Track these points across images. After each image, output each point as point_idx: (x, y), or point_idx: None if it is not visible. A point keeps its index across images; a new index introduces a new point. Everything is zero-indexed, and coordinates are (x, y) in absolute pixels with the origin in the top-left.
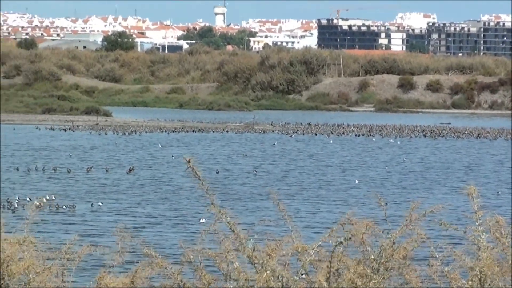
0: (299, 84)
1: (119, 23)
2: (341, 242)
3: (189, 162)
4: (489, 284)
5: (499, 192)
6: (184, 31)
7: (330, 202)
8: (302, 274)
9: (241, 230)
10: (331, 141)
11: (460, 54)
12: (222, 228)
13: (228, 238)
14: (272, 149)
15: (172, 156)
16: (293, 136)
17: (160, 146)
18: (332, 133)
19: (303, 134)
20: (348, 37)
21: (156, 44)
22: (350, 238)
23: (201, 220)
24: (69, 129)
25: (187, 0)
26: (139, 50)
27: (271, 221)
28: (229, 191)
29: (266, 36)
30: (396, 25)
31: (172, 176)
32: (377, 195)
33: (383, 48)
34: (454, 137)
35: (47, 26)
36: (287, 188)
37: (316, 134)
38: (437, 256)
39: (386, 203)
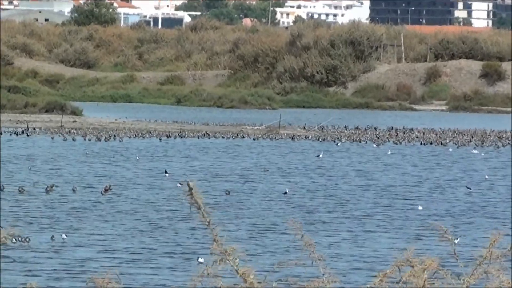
0: (343, 72)
1: None
2: None
3: (191, 189)
4: None
5: None
6: None
7: (383, 235)
8: None
9: (255, 277)
10: (389, 152)
11: None
12: (228, 271)
13: None
14: (306, 163)
15: (166, 173)
16: (339, 144)
17: (137, 158)
18: (389, 140)
19: (349, 141)
20: (412, 8)
21: (145, 16)
22: (407, 284)
23: (200, 260)
24: (23, 132)
25: None
26: (122, 24)
27: (299, 262)
28: (244, 219)
29: (298, 7)
30: None
31: (163, 198)
32: (440, 226)
33: (461, 24)
34: None
35: None
36: (326, 215)
37: (366, 142)
38: None
39: (456, 237)
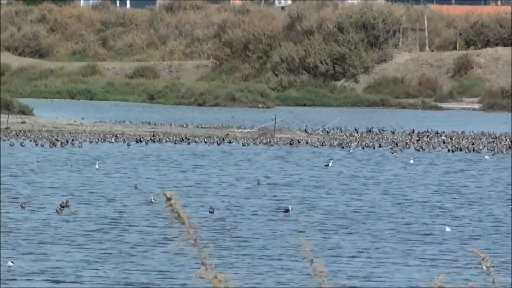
0: (354, 63)
1: None
2: None
3: (169, 199)
4: None
5: None
6: None
7: (405, 261)
8: None
9: None
10: (411, 160)
11: None
12: None
13: None
14: (310, 173)
15: (135, 186)
16: (351, 150)
17: (96, 167)
18: (409, 146)
19: (361, 147)
20: None
21: None
22: None
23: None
24: None
25: None
26: (81, 3)
27: None
28: (233, 243)
29: None
30: None
31: (133, 217)
32: (475, 251)
33: (498, 3)
34: None
35: None
36: (336, 237)
37: (380, 147)
38: None
39: (493, 266)
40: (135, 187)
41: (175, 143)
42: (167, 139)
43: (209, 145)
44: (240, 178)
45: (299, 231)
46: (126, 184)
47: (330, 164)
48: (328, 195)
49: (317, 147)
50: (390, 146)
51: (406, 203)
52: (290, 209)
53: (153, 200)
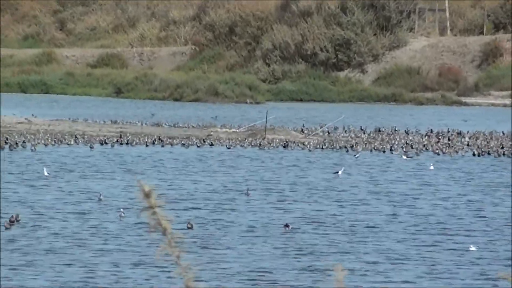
0: (360, 50)
1: None
2: None
3: (147, 195)
4: None
5: None
6: None
7: (424, 284)
8: None
9: None
10: (431, 166)
11: None
12: None
13: None
14: (307, 180)
15: (100, 196)
16: (357, 155)
17: (46, 174)
18: (427, 149)
19: (368, 150)
20: None
21: None
22: None
23: None
24: None
25: None
26: None
27: None
28: (218, 264)
29: None
30: None
31: (94, 234)
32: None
33: None
34: None
35: None
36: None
37: (392, 150)
38: None
39: None
40: (99, 199)
41: (147, 146)
42: (138, 141)
43: (187, 147)
44: (225, 187)
45: (300, 252)
46: (88, 194)
47: (341, 172)
48: (332, 208)
49: (316, 150)
50: (404, 149)
51: (423, 217)
52: (288, 225)
53: (122, 215)
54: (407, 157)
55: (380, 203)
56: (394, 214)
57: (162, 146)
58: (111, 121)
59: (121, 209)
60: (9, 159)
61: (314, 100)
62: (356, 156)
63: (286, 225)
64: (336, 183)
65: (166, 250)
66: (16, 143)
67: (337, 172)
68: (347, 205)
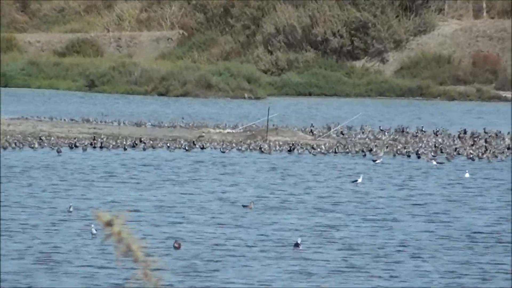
0: (380, 35)
1: None
2: None
3: (108, 224)
4: None
5: None
6: None
7: None
8: None
9: None
10: (466, 174)
11: None
12: None
13: None
14: (319, 192)
15: (70, 209)
16: (378, 160)
17: None
18: (460, 153)
19: (393, 154)
20: None
21: None
22: None
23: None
24: None
25: None
26: None
27: None
28: None
29: None
30: None
31: (66, 249)
32: None
33: None
34: None
35: None
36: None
37: (418, 156)
38: None
39: None
40: (69, 211)
41: (125, 149)
42: (114, 144)
43: (172, 151)
44: (220, 200)
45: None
46: (56, 205)
47: (360, 180)
48: (348, 223)
49: (327, 154)
50: (433, 153)
51: (463, 232)
52: (299, 242)
53: (93, 231)
54: (437, 162)
55: (410, 219)
56: (432, 232)
57: (144, 149)
58: (83, 120)
59: (93, 227)
60: None
61: (326, 95)
62: (377, 161)
63: (297, 244)
64: (354, 194)
65: (140, 279)
66: None
67: (356, 181)
68: (372, 221)
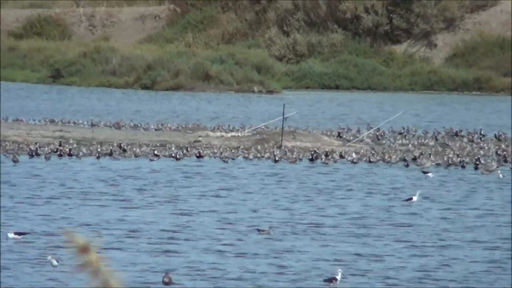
0: (426, 12)
1: None
2: None
3: (84, 251)
4: None
5: None
6: None
7: None
8: None
9: None
10: None
11: None
12: None
13: None
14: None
15: (18, 234)
16: (431, 175)
17: None
18: None
19: (445, 165)
20: None
21: None
22: None
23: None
24: None
25: None
26: None
27: None
28: None
29: None
30: None
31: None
32: None
33: None
34: None
35: None
36: None
37: (476, 165)
38: None
39: None
40: (17, 235)
41: (98, 157)
42: (86, 151)
43: (162, 159)
44: (224, 221)
45: None
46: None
47: (416, 198)
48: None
49: (358, 163)
50: (496, 164)
51: None
52: (338, 278)
53: (54, 263)
54: (502, 175)
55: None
56: (501, 256)
57: (124, 157)
58: (46, 120)
59: (50, 257)
60: None
61: (357, 88)
62: (428, 175)
63: (332, 279)
64: (409, 217)
65: None
66: None
67: (410, 199)
68: (439, 252)
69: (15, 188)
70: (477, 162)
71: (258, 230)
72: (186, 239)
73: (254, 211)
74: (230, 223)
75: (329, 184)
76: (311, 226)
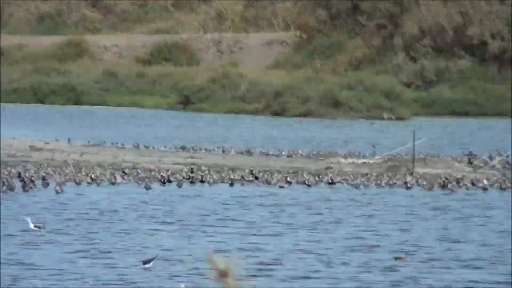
0: None
1: None
2: None
3: (224, 274)
4: None
5: None
6: None
7: None
8: None
9: None
10: None
11: None
12: None
13: None
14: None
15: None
16: None
17: (32, 226)
18: None
19: None
20: None
21: None
22: None
23: None
24: None
25: None
26: None
27: None
28: None
29: None
30: None
31: None
32: None
33: None
34: None
35: None
36: None
37: None
38: None
39: None
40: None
41: (232, 185)
42: (216, 177)
43: (292, 186)
44: (356, 250)
45: None
46: (147, 254)
47: None
48: None
49: (489, 190)
50: None
51: None
52: None
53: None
54: None
55: None
56: None
57: (257, 185)
58: (177, 147)
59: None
60: (20, 204)
61: (486, 114)
62: None
63: None
64: None
65: None
66: (32, 180)
67: None
68: None
69: (151, 214)
70: None
71: (395, 258)
72: (325, 265)
73: (388, 236)
74: (364, 249)
75: (465, 209)
76: (458, 255)
